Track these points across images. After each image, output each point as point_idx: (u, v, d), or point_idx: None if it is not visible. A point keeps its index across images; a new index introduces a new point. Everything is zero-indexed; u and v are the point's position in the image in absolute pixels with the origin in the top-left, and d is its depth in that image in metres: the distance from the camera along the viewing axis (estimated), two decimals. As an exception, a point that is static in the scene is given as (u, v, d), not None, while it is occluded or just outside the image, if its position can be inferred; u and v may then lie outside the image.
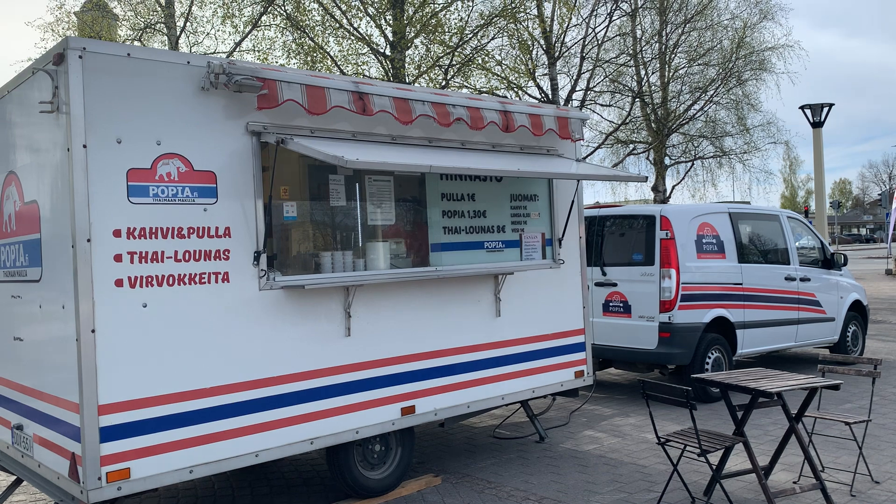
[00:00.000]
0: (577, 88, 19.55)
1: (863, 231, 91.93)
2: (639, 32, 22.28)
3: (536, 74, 19.17)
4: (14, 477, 5.62)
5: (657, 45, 22.71)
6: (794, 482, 5.71)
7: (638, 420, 7.90)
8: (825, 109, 19.41)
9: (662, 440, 5.12)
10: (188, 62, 4.60)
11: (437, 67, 16.89)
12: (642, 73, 22.72)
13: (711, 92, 22.67)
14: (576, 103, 19.49)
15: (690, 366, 8.37)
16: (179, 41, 17.08)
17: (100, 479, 4.15)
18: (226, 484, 6.18)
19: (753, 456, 5.01)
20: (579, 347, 7.02)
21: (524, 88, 19.15)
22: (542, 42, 18.73)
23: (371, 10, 16.28)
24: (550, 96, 18.66)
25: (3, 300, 5.28)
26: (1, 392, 5.35)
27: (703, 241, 8.72)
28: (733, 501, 5.19)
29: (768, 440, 6.86)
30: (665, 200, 23.70)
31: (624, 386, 9.87)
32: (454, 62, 16.94)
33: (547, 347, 6.71)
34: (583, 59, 19.14)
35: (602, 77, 21.11)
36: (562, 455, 6.72)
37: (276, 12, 16.73)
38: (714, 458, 6.15)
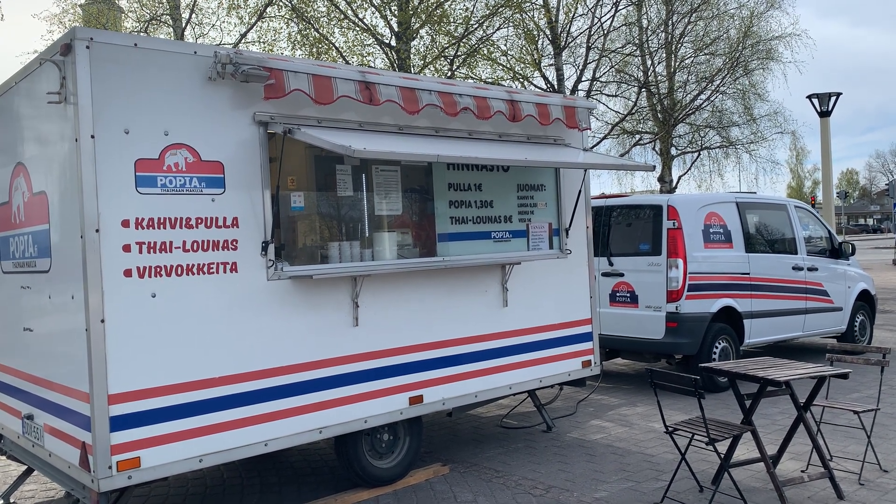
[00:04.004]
0: (583, 79, 19.49)
1: (870, 221, 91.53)
2: (645, 22, 22.17)
3: (542, 65, 19.10)
4: (25, 466, 5.66)
5: (663, 34, 22.60)
6: (803, 471, 5.70)
7: (645, 409, 7.90)
8: (832, 99, 19.29)
9: (670, 429, 5.12)
10: (195, 52, 4.60)
11: (442, 58, 16.85)
12: (648, 63, 22.62)
13: (718, 82, 22.56)
14: (581, 94, 19.42)
15: (698, 355, 8.35)
16: (185, 33, 17.07)
17: (110, 467, 4.18)
18: (235, 473, 6.21)
19: (762, 445, 5.01)
20: (586, 337, 7.02)
21: (530, 79, 19.09)
22: (547, 32, 18.65)
23: (376, 0, 16.24)
24: (556, 87, 18.60)
25: (12, 291, 5.30)
26: (11, 382, 5.38)
27: (711, 230, 8.70)
28: (741, 490, 5.19)
29: (776, 429, 6.85)
30: (671, 191, 23.63)
31: (631, 376, 9.88)
32: (459, 53, 16.90)
33: (554, 337, 6.71)
34: (589, 49, 19.06)
35: (608, 67, 21.02)
36: (569, 444, 6.73)
37: (281, 3, 16.70)
38: (722, 447, 6.14)
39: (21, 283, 5.12)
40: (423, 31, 16.75)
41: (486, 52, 17.50)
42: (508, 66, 18.48)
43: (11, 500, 5.73)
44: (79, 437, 4.32)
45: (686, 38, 22.81)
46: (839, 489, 5.16)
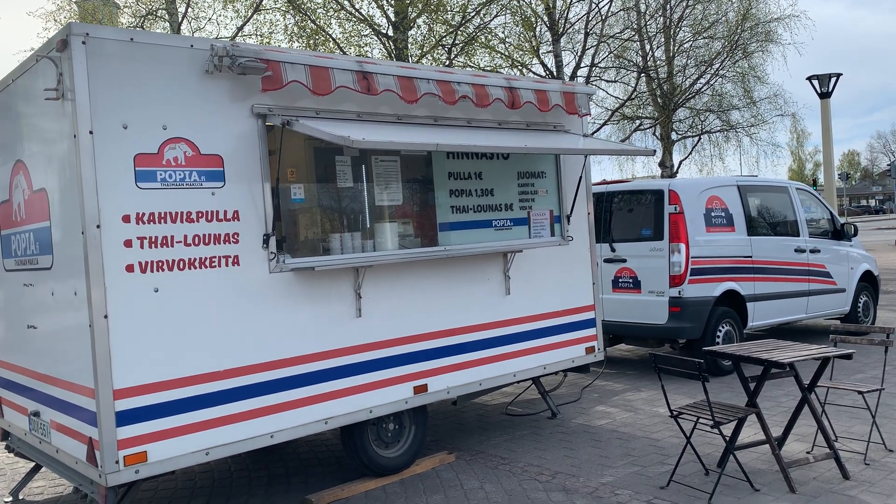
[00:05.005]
0: (582, 65, 19.40)
1: (872, 202, 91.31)
2: (643, 7, 22.04)
3: (540, 52, 19.02)
4: (33, 463, 5.68)
5: (662, 19, 22.48)
6: (808, 452, 5.71)
7: (649, 394, 7.91)
8: (833, 80, 19.17)
9: (675, 413, 5.13)
10: (192, 45, 4.58)
11: (440, 47, 16.79)
12: (647, 47, 22.51)
13: (717, 65, 22.45)
14: (581, 80, 19.34)
15: (701, 340, 8.36)
16: (181, 27, 17.01)
17: (117, 462, 4.19)
18: (242, 465, 6.23)
19: (767, 427, 5.02)
20: (590, 324, 7.02)
21: (528, 66, 19.02)
22: (545, 19, 18.56)
23: (373, -10, 16.18)
24: (555, 73, 18.53)
25: (15, 288, 5.31)
26: (17, 380, 5.40)
27: (712, 214, 8.68)
28: (747, 472, 5.21)
29: (781, 411, 6.86)
30: (672, 175, 23.58)
31: (635, 361, 9.89)
32: (457, 41, 16.83)
33: (557, 324, 6.72)
34: (587, 35, 18.95)
35: (607, 53, 20.92)
36: (574, 430, 6.74)
37: (277, -5, 16.64)
38: (727, 430, 6.15)
39: (24, 280, 5.13)
40: (420, 21, 16.69)
41: (483, 40, 17.43)
42: (506, 53, 18.41)
43: (20, 497, 5.76)
44: (85, 432, 4.34)
45: (684, 21, 22.68)
46: (845, 469, 5.17)
